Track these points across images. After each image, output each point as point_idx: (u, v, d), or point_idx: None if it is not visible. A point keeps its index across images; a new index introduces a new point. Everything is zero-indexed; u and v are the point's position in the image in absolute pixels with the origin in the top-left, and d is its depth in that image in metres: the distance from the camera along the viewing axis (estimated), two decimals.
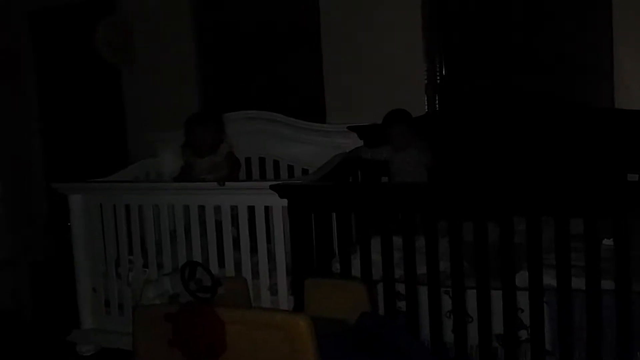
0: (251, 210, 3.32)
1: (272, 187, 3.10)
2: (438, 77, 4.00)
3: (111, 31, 4.79)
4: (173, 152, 4.43)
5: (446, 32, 3.99)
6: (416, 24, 3.90)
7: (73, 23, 5.20)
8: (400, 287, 2.92)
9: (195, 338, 2.42)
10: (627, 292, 2.52)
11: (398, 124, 3.50)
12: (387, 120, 3.54)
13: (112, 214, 3.71)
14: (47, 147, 5.55)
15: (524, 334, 2.74)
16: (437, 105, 3.98)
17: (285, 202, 3.10)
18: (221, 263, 3.39)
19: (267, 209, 3.29)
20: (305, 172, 3.92)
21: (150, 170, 4.35)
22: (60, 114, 5.46)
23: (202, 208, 3.45)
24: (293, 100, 4.33)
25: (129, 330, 2.81)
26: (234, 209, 3.36)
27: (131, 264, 3.69)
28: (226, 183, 3.36)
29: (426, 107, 3.93)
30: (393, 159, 3.54)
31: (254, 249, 3.33)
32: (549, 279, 2.65)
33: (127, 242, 3.68)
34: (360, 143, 3.72)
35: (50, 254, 5.07)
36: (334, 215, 3.09)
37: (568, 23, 3.72)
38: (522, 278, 2.71)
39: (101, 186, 3.80)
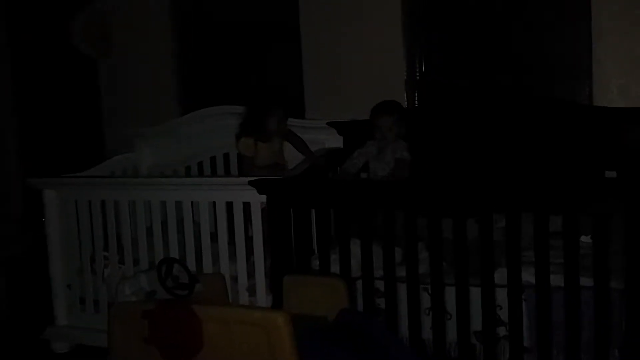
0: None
1: (250, 183, 3.07)
2: (417, 74, 3.99)
3: (89, 23, 4.72)
4: (150, 147, 4.39)
5: (426, 28, 3.99)
6: (396, 20, 3.90)
7: (49, 14, 5.11)
8: (380, 284, 2.91)
9: (171, 335, 2.38)
10: (606, 289, 2.53)
11: (383, 116, 3.43)
12: (375, 110, 3.45)
13: (88, 209, 3.65)
14: (23, 142, 5.45)
15: (502, 331, 2.74)
16: (417, 102, 3.97)
17: (264, 198, 3.08)
18: (199, 260, 3.36)
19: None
20: None
21: (127, 166, 4.30)
22: (36, 108, 5.36)
23: (179, 204, 3.41)
24: (272, 95, 4.28)
25: (105, 327, 2.77)
26: None
27: (106, 260, 3.64)
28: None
29: (405, 103, 3.92)
30: (375, 157, 3.48)
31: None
32: (528, 276, 2.66)
33: (102, 238, 3.63)
34: (340, 139, 3.70)
35: (26, 250, 4.98)
36: (313, 211, 3.07)
37: (547, 21, 3.74)
38: (500, 275, 2.71)
39: (76, 181, 3.75)
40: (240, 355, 2.32)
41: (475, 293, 2.73)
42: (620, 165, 3.32)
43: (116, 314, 2.62)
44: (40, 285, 3.92)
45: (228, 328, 2.33)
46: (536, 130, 3.49)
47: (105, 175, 3.97)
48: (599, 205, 2.55)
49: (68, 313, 3.76)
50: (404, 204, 2.87)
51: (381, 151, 3.45)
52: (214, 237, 3.35)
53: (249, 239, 3.24)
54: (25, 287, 4.64)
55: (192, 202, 3.40)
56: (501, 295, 2.70)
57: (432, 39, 3.99)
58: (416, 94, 3.98)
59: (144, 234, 3.50)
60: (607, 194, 2.61)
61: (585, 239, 2.73)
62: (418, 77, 3.99)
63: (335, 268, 2.98)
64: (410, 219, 2.81)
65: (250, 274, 3.27)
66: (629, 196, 2.52)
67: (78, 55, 4.79)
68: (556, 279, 2.60)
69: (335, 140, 3.71)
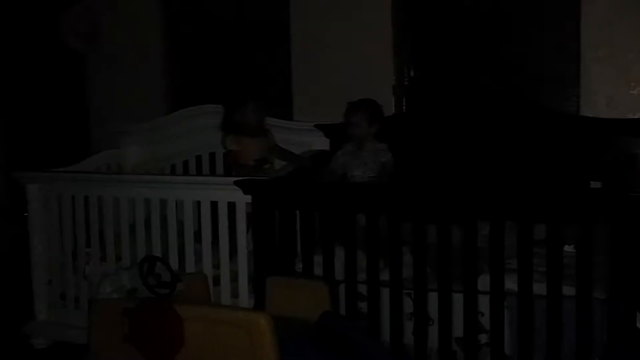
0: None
1: (236, 183, 3.06)
2: (406, 79, 4.00)
3: (78, 18, 4.68)
4: (136, 144, 4.36)
5: (415, 33, 3.99)
6: (386, 24, 3.90)
7: (38, 9, 5.07)
8: (362, 288, 2.91)
9: (152, 334, 2.36)
10: (588, 298, 2.54)
11: (355, 112, 3.40)
12: (347, 107, 3.42)
13: (71, 205, 3.62)
14: (8, 135, 5.41)
15: (483, 338, 2.75)
16: (405, 107, 3.97)
17: (249, 198, 3.06)
18: (181, 259, 3.33)
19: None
20: None
21: (112, 162, 4.27)
22: (22, 102, 5.32)
23: (164, 202, 3.39)
24: (260, 96, 4.27)
25: (85, 324, 2.74)
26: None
27: (88, 257, 3.60)
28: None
29: (394, 108, 3.92)
30: (351, 156, 3.44)
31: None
32: (510, 284, 2.66)
33: (85, 234, 3.60)
34: (327, 142, 3.69)
35: (10, 244, 4.94)
36: (298, 213, 3.06)
37: (536, 29, 3.76)
38: (483, 282, 2.71)
39: (60, 176, 3.72)
40: (222, 356, 2.30)
41: (458, 299, 2.73)
42: (605, 175, 3.33)
43: (96, 311, 2.60)
44: (22, 280, 3.88)
45: (210, 328, 2.31)
46: (522, 139, 3.50)
47: (89, 171, 3.94)
48: (583, 215, 2.56)
49: (48, 309, 3.73)
50: (389, 208, 2.87)
51: (357, 150, 3.43)
52: (197, 236, 3.34)
53: (233, 239, 3.23)
54: (7, 281, 4.59)
55: (176, 201, 3.38)
56: (484, 302, 2.70)
57: (421, 44, 4.00)
58: (404, 99, 3.97)
59: (127, 231, 3.48)
60: (592, 204, 2.62)
61: (568, 248, 2.74)
62: (407, 82, 3.99)
63: (318, 271, 2.97)
64: (395, 223, 2.81)
65: (233, 275, 3.25)
66: (613, 207, 2.54)
67: (66, 50, 4.75)
68: (539, 287, 2.61)
69: (322, 143, 3.70)
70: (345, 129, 3.48)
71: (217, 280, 3.27)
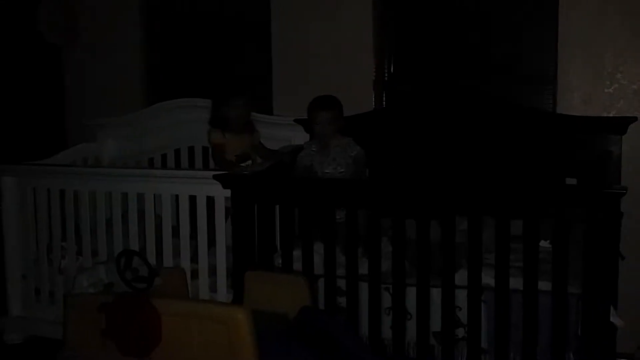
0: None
1: (215, 177, 3.05)
2: (386, 75, 4.00)
3: (54, 10, 4.61)
4: (113, 138, 4.32)
5: (396, 29, 4.01)
6: (367, 20, 3.89)
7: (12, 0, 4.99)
8: (341, 283, 2.91)
9: (129, 329, 2.35)
10: (564, 293, 2.57)
11: (318, 110, 3.35)
12: (313, 106, 3.37)
13: (46, 198, 3.58)
14: None
15: (461, 332, 2.77)
16: (385, 103, 3.99)
17: (228, 192, 3.05)
18: (159, 253, 3.31)
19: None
20: None
21: (89, 156, 4.22)
22: None
23: (141, 196, 3.36)
24: (240, 90, 4.25)
25: (60, 319, 2.72)
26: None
27: (64, 251, 3.57)
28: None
29: (374, 104, 3.93)
30: (318, 155, 3.40)
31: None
32: (488, 279, 2.69)
33: (60, 228, 3.56)
34: (307, 136, 3.68)
35: None
36: (277, 208, 3.06)
37: (515, 28, 3.79)
38: (461, 277, 2.73)
39: (36, 169, 3.67)
40: (199, 351, 2.30)
41: (436, 294, 2.75)
42: (580, 172, 3.37)
43: (72, 305, 2.58)
44: None
45: (187, 323, 2.31)
46: (500, 136, 3.53)
47: (65, 164, 3.89)
48: (559, 211, 2.59)
49: (22, 304, 3.69)
50: (368, 204, 2.88)
51: (323, 148, 3.39)
52: (175, 231, 3.32)
53: (211, 234, 3.21)
54: None
55: (154, 195, 3.35)
56: (461, 297, 2.72)
57: (401, 40, 4.01)
58: (384, 95, 3.98)
59: (103, 225, 3.45)
60: (568, 200, 2.66)
61: (544, 243, 2.77)
62: (386, 78, 4.00)
63: (297, 266, 2.97)
64: (374, 218, 2.82)
65: (212, 270, 3.24)
66: (588, 203, 2.57)
67: (43, 42, 4.68)
68: (515, 282, 2.63)
69: (302, 138, 3.69)
70: (309, 127, 3.47)
71: (195, 275, 3.26)
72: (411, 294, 2.79)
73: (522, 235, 2.65)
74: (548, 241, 2.82)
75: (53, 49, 4.78)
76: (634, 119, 3.33)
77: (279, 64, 4.08)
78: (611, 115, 3.48)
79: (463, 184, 2.94)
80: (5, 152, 4.60)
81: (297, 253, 2.99)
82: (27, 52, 4.99)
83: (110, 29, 4.57)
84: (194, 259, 3.28)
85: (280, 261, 3.03)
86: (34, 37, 4.70)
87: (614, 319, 2.59)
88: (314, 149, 3.41)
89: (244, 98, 3.65)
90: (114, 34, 4.57)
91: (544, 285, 2.61)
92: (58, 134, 4.82)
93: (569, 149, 3.43)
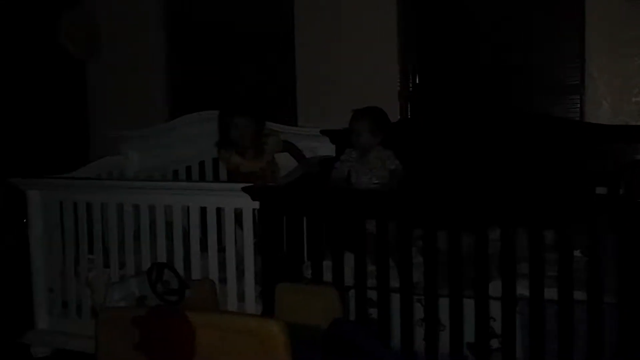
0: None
1: (244, 189, 3.04)
2: (411, 85, 3.99)
3: (76, 22, 4.65)
4: (138, 150, 4.33)
5: (421, 40, 4.00)
6: (391, 31, 3.90)
7: (35, 12, 5.02)
8: (372, 294, 2.89)
9: (163, 343, 2.33)
10: (599, 303, 2.54)
11: (359, 120, 3.34)
12: (352, 115, 3.35)
13: (73, 211, 3.59)
14: (3, 142, 5.34)
15: (495, 343, 2.74)
16: (410, 113, 3.97)
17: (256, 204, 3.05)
18: (187, 265, 3.31)
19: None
20: None
21: (114, 169, 4.23)
22: (19, 107, 5.26)
23: (168, 208, 3.36)
24: (264, 102, 4.26)
25: (86, 332, 2.71)
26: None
27: (91, 264, 3.57)
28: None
29: (399, 114, 3.92)
30: (357, 164, 3.39)
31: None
32: (522, 289, 2.66)
33: (87, 240, 3.56)
34: (332, 147, 3.68)
35: (5, 252, 4.87)
36: (305, 218, 3.04)
37: (541, 37, 3.77)
38: (494, 287, 2.70)
39: (62, 183, 3.68)
40: None
41: (469, 304, 2.72)
42: (609, 182, 3.34)
43: (104, 319, 2.57)
44: (20, 289, 3.83)
45: (221, 336, 2.29)
46: (527, 145, 3.49)
47: (92, 177, 3.90)
48: (592, 221, 2.56)
49: (49, 317, 3.68)
50: (399, 215, 2.86)
51: (362, 157, 3.39)
52: (202, 242, 3.31)
53: (240, 246, 3.20)
54: (5, 290, 4.53)
55: (181, 207, 3.35)
56: (495, 308, 2.69)
57: (426, 51, 4.00)
58: (409, 106, 3.97)
59: (131, 237, 3.45)
60: (601, 210, 2.63)
61: (575, 253, 2.74)
62: (411, 89, 3.99)
63: (327, 277, 2.96)
64: (405, 230, 2.80)
65: (239, 281, 3.23)
66: (622, 212, 2.54)
67: (65, 55, 4.71)
68: (550, 293, 2.60)
69: (327, 149, 3.69)
70: (349, 136, 3.45)
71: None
72: (443, 305, 2.77)
73: (554, 245, 2.62)
74: (579, 250, 2.79)
75: (76, 62, 4.81)
76: None
77: (303, 75, 4.09)
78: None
79: (496, 195, 2.91)
80: (29, 165, 4.63)
81: (325, 263, 2.97)
82: (50, 65, 5.03)
83: (133, 42, 4.60)
84: (222, 270, 3.27)
85: (309, 272, 3.02)
86: (56, 50, 4.73)
87: None
88: (353, 157, 3.40)
89: (247, 115, 3.58)
90: (137, 46, 4.60)
91: (578, 295, 2.58)
92: (81, 147, 4.84)
93: (598, 158, 3.40)
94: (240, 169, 3.59)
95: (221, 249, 3.28)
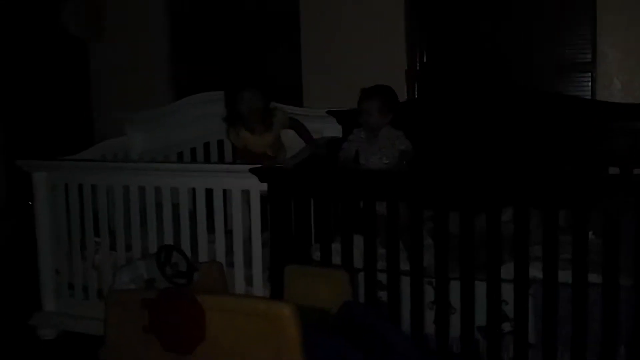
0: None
1: (252, 171, 3.00)
2: (418, 65, 3.94)
3: (79, 5, 4.59)
4: (142, 132, 4.29)
5: (428, 19, 3.94)
6: (398, 10, 3.83)
7: None
8: (382, 277, 2.86)
9: (173, 325, 2.31)
10: (615, 285, 2.50)
11: (369, 99, 3.26)
12: (361, 94, 3.28)
13: (78, 193, 3.55)
14: (7, 125, 5.31)
15: (507, 327, 2.71)
16: (417, 93, 3.92)
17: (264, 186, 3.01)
18: (194, 247, 3.28)
19: None
20: None
21: (118, 150, 4.20)
22: (23, 90, 5.22)
23: (175, 190, 3.32)
24: (269, 82, 4.21)
25: (93, 314, 2.69)
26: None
27: (98, 246, 3.54)
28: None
29: (406, 94, 3.87)
30: (365, 144, 3.33)
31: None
32: (535, 272, 2.62)
33: (92, 222, 3.53)
34: (339, 128, 3.63)
35: (10, 235, 4.86)
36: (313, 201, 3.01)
37: (552, 14, 3.71)
38: (506, 270, 2.67)
39: (68, 164, 3.64)
40: (244, 347, 2.26)
41: (480, 287, 2.69)
42: (621, 161, 3.30)
43: (113, 301, 2.55)
44: (26, 271, 3.81)
45: (232, 318, 2.26)
46: (538, 124, 3.45)
47: (98, 160, 3.87)
48: (609, 201, 2.52)
49: (56, 299, 3.67)
50: (410, 196, 2.82)
51: (372, 136, 3.33)
52: (208, 224, 3.28)
53: (247, 228, 3.17)
54: (10, 273, 4.52)
55: (187, 188, 3.31)
56: (507, 290, 2.66)
57: (434, 29, 3.94)
58: (416, 85, 3.92)
59: (137, 220, 3.42)
60: (617, 190, 2.58)
61: (590, 235, 2.70)
62: (419, 68, 3.93)
63: (335, 259, 2.93)
64: (416, 211, 2.76)
65: (247, 264, 3.20)
66: (634, 193, 2.50)
67: (68, 37, 4.65)
68: (563, 275, 2.57)
69: (334, 130, 3.64)
70: (357, 116, 3.39)
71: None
72: (454, 287, 2.74)
73: (568, 226, 2.58)
74: (591, 232, 2.75)
75: (79, 43, 4.76)
76: None
77: (308, 55, 4.03)
78: None
79: (509, 175, 2.87)
80: (33, 147, 4.60)
81: (334, 246, 2.94)
82: (52, 46, 4.98)
83: (136, 23, 4.55)
84: (229, 253, 3.24)
85: (317, 254, 2.99)
86: (59, 31, 4.68)
87: None
88: (362, 137, 3.34)
89: (254, 90, 3.54)
90: (140, 27, 4.55)
91: (593, 277, 2.55)
92: (84, 129, 4.81)
93: (609, 137, 3.35)
94: (249, 146, 3.55)
95: (227, 231, 3.25)
